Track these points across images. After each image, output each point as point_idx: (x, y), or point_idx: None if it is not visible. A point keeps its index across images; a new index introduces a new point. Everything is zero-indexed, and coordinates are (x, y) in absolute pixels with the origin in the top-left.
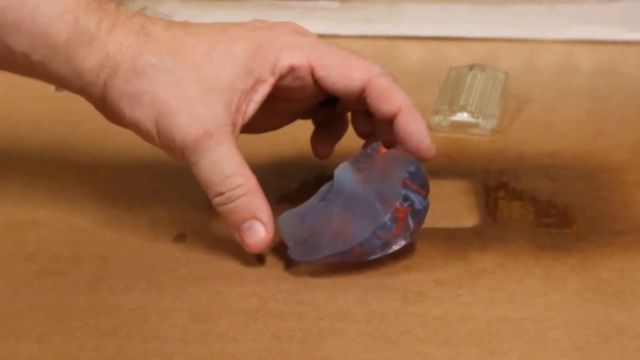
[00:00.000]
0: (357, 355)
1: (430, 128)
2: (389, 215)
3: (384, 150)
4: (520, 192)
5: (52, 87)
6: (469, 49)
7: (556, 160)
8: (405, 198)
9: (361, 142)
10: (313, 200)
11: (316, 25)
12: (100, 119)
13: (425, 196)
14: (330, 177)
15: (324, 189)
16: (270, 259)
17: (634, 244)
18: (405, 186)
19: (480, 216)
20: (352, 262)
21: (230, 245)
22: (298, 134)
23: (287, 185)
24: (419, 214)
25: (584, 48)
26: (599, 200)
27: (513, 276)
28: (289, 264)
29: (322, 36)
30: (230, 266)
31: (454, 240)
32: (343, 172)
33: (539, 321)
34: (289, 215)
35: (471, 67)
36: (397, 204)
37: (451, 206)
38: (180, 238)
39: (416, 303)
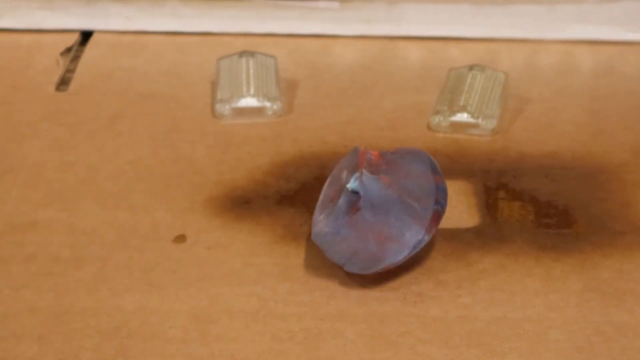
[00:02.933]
0: (357, 355)
1: (430, 128)
2: (429, 213)
3: (363, 151)
4: (520, 193)
5: (52, 87)
6: (469, 49)
7: (556, 160)
8: (437, 189)
9: (360, 143)
10: (329, 214)
11: (316, 25)
12: (100, 119)
13: (443, 180)
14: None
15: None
16: (270, 260)
17: (634, 244)
18: (432, 179)
19: (480, 216)
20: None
21: (230, 246)
22: (298, 135)
23: (287, 186)
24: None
25: (584, 48)
26: (599, 200)
27: (513, 276)
28: (344, 278)
29: (321, 36)
30: (230, 266)
31: (454, 241)
32: (369, 181)
33: (539, 321)
34: (322, 235)
35: (471, 68)
36: (432, 199)
37: (451, 206)
38: (180, 238)
39: (416, 303)
